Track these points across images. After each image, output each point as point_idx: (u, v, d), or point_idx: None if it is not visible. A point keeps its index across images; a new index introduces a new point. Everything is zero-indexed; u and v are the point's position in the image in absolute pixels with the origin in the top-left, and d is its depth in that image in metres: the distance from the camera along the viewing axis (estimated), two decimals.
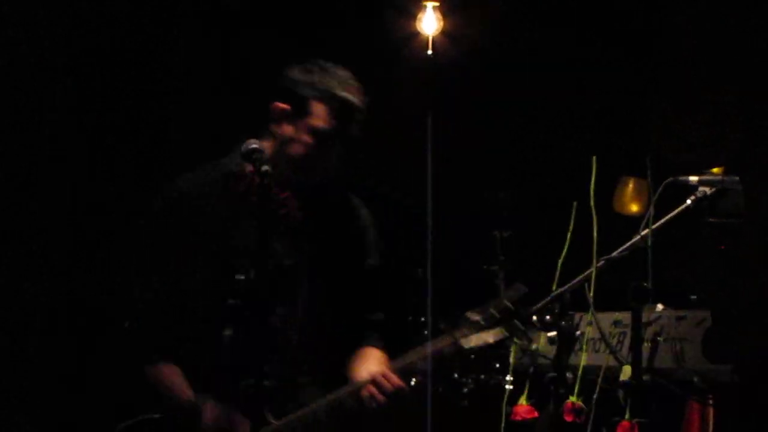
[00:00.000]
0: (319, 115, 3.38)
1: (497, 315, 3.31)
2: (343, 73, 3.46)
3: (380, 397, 3.32)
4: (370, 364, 3.44)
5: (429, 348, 3.33)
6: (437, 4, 6.43)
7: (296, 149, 3.40)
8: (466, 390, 5.50)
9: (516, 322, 3.32)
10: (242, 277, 3.25)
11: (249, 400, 3.27)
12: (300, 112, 3.39)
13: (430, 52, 6.42)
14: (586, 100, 6.17)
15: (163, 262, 3.41)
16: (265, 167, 3.19)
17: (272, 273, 3.31)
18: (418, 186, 5.73)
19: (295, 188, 3.31)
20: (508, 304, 3.31)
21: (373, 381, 3.33)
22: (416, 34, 6.46)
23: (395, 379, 3.33)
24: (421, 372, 3.35)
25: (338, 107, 3.39)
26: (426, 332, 5.44)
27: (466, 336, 3.31)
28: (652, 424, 3.42)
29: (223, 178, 3.38)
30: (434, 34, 6.44)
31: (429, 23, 6.44)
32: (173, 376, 3.39)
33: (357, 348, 3.54)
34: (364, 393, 3.33)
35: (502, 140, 6.46)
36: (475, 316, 3.33)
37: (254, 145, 3.25)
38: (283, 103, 3.41)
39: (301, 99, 3.39)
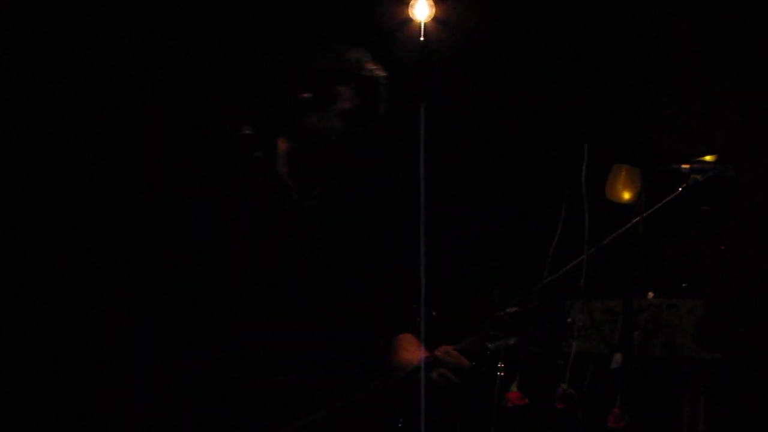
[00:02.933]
0: (345, 97, 3.24)
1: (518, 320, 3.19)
2: (359, 52, 3.33)
3: (452, 377, 3.17)
4: (414, 349, 3.27)
5: (465, 342, 3.20)
6: None
7: (325, 137, 3.23)
8: None
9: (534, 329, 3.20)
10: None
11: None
12: (325, 97, 3.23)
13: (422, 38, 6.40)
14: (579, 88, 6.16)
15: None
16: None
17: (304, 264, 3.21)
18: (409, 174, 5.73)
19: (317, 182, 3.25)
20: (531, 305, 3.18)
21: (441, 361, 3.17)
22: (408, 20, 6.45)
23: (461, 358, 3.17)
24: (455, 365, 3.18)
25: (362, 86, 3.26)
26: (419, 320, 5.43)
27: (491, 335, 3.20)
28: (643, 411, 3.43)
29: (250, 170, 3.24)
30: (426, 21, 6.43)
31: (421, 9, 6.43)
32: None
33: (387, 336, 3.36)
34: (434, 374, 3.17)
35: (494, 127, 6.46)
36: (503, 316, 3.21)
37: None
38: (305, 92, 3.25)
39: (325, 84, 3.23)
